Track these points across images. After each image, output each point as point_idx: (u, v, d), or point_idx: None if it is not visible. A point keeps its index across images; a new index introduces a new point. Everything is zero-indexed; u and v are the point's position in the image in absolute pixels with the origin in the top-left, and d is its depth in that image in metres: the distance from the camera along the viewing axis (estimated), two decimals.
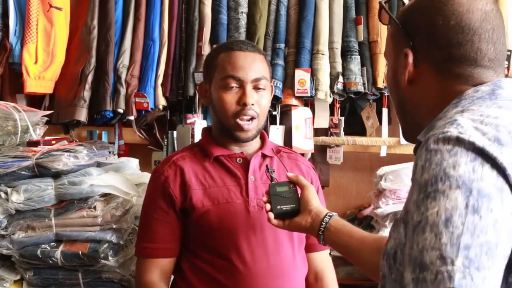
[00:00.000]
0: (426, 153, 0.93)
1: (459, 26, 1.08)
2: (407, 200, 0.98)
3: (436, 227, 0.85)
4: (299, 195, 1.58)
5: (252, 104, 1.75)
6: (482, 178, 0.87)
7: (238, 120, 1.76)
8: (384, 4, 1.23)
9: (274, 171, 1.69)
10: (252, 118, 1.77)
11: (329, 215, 1.50)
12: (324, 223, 1.49)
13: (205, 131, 1.94)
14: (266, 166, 1.72)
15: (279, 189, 1.59)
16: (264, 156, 1.87)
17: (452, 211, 0.85)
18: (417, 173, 0.94)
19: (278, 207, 1.56)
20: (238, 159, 1.83)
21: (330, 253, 2.00)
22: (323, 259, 1.95)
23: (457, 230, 0.84)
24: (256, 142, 1.88)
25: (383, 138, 2.95)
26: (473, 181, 0.87)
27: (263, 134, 1.90)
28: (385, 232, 2.64)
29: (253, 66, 1.78)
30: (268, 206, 1.57)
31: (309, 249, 1.91)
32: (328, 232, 1.48)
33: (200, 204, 1.75)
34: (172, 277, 1.86)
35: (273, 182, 1.63)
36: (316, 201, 1.56)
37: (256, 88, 1.78)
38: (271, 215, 1.56)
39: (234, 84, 1.76)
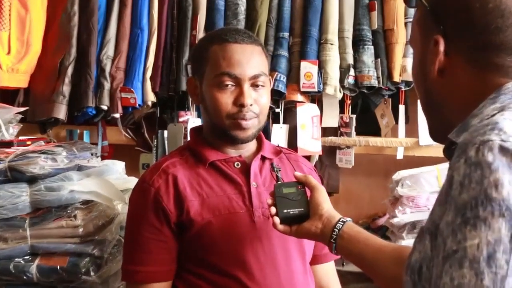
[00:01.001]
0: (465, 166, 0.91)
1: (498, 9, 1.05)
2: (434, 210, 0.96)
3: (477, 264, 0.83)
4: (308, 198, 1.56)
5: (251, 105, 1.72)
6: None
7: (234, 120, 1.72)
8: None
9: (280, 170, 1.67)
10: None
11: (342, 221, 1.48)
12: (336, 230, 1.46)
13: (194, 132, 1.90)
14: (271, 164, 1.70)
15: (286, 191, 1.57)
16: (263, 159, 1.84)
17: (495, 246, 0.83)
18: (454, 189, 0.91)
19: (285, 210, 1.54)
20: (236, 164, 1.80)
21: (343, 263, 1.98)
22: (329, 272, 1.94)
23: (501, 270, 0.82)
24: (253, 144, 1.85)
25: (400, 139, 2.94)
26: None
27: (259, 135, 1.87)
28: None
29: (251, 61, 1.74)
30: (273, 210, 1.55)
31: (313, 260, 1.89)
32: (341, 239, 1.46)
33: (199, 217, 1.70)
34: None
35: (279, 182, 1.60)
36: (328, 204, 1.53)
37: (255, 85, 1.75)
38: (277, 219, 1.53)
39: (229, 82, 1.71)
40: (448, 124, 1.10)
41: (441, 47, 1.10)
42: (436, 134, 1.22)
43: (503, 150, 0.89)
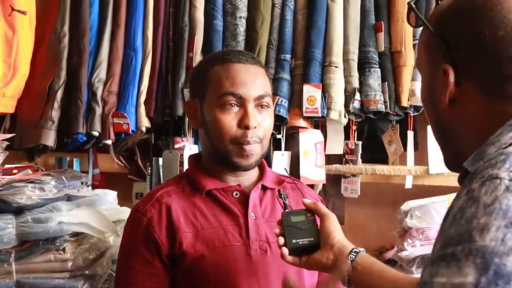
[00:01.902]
0: (464, 199, 0.91)
1: (509, 36, 1.05)
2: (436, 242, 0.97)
3: None
4: (318, 227, 1.56)
5: (255, 127, 1.74)
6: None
7: (238, 145, 1.73)
8: (413, 5, 1.22)
9: (287, 197, 1.67)
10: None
11: (355, 251, 1.48)
12: (349, 261, 1.46)
13: (192, 159, 1.92)
14: (279, 191, 1.69)
15: (295, 219, 1.57)
16: (264, 188, 1.85)
17: None
18: (448, 220, 0.92)
19: (294, 240, 1.54)
20: (234, 193, 1.81)
21: None
22: None
23: None
24: (254, 172, 1.86)
25: (409, 167, 2.93)
26: (496, 255, 0.84)
27: (261, 162, 1.87)
28: None
29: (255, 81, 1.76)
30: (281, 240, 1.55)
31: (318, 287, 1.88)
32: (354, 272, 1.46)
33: (191, 250, 1.71)
34: None
35: (287, 210, 1.61)
36: (339, 233, 1.54)
37: (259, 106, 1.76)
38: (285, 250, 1.53)
39: (233, 102, 1.73)
40: (462, 152, 1.10)
41: (451, 78, 1.10)
42: (450, 162, 1.23)
43: (509, 190, 0.88)
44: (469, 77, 1.10)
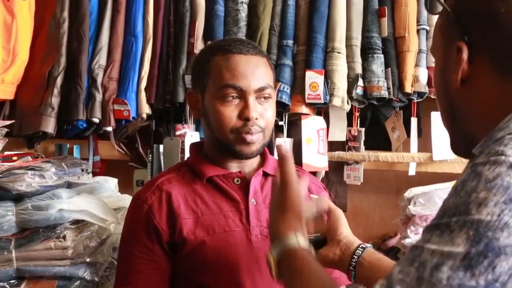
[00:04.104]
0: (468, 172, 0.92)
1: None
2: None
3: (422, 269, 0.87)
4: (325, 222, 1.56)
5: (256, 119, 1.73)
6: (509, 226, 0.85)
7: (238, 134, 1.73)
8: None
9: None
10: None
11: (362, 247, 1.49)
12: (356, 256, 1.47)
13: (193, 147, 1.92)
14: None
15: None
16: (266, 175, 1.85)
17: (445, 258, 0.86)
18: (449, 193, 0.94)
19: None
20: (235, 180, 1.81)
21: None
22: None
23: (439, 284, 0.84)
24: (256, 159, 1.86)
25: (412, 154, 2.93)
26: (490, 229, 0.85)
27: (264, 149, 1.87)
28: None
29: (256, 73, 1.76)
30: None
31: None
32: (361, 267, 1.46)
33: (192, 236, 1.71)
34: None
35: None
36: (346, 229, 1.54)
37: (260, 98, 1.76)
38: None
39: (233, 95, 1.73)
40: (471, 137, 1.10)
41: (465, 55, 1.10)
42: (458, 148, 1.22)
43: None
44: (482, 55, 1.09)
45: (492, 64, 1.08)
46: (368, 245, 1.50)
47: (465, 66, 1.10)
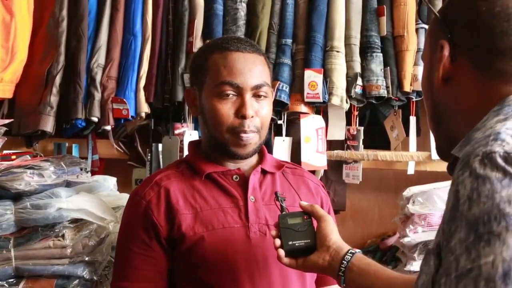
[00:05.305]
0: (471, 180, 0.92)
1: (505, 13, 1.08)
2: (441, 228, 0.97)
3: (493, 283, 0.84)
4: (315, 228, 1.57)
5: (252, 117, 1.74)
6: None
7: (234, 134, 1.74)
8: None
9: (285, 199, 1.68)
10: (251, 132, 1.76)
11: (351, 252, 1.50)
12: (345, 262, 1.48)
13: (192, 145, 1.93)
14: (275, 193, 1.71)
15: (291, 221, 1.58)
16: (264, 172, 1.86)
17: (510, 263, 0.84)
18: (461, 204, 0.92)
19: (290, 242, 1.55)
20: (234, 177, 1.82)
21: None
22: None
23: None
24: (254, 157, 1.87)
25: (411, 153, 2.94)
26: None
27: (261, 148, 1.88)
28: (413, 266, 2.63)
29: (253, 70, 1.76)
30: (278, 242, 1.56)
31: (319, 283, 1.89)
32: (350, 272, 1.47)
33: (191, 231, 1.72)
34: None
35: (283, 212, 1.61)
36: (336, 235, 1.55)
37: (256, 96, 1.77)
38: (282, 252, 1.55)
39: (230, 92, 1.74)
40: (454, 139, 1.11)
41: (446, 52, 1.13)
42: (442, 150, 1.24)
43: (507, 161, 0.90)
44: (463, 53, 1.13)
45: (472, 61, 1.12)
46: (357, 250, 1.51)
47: (447, 63, 1.14)
